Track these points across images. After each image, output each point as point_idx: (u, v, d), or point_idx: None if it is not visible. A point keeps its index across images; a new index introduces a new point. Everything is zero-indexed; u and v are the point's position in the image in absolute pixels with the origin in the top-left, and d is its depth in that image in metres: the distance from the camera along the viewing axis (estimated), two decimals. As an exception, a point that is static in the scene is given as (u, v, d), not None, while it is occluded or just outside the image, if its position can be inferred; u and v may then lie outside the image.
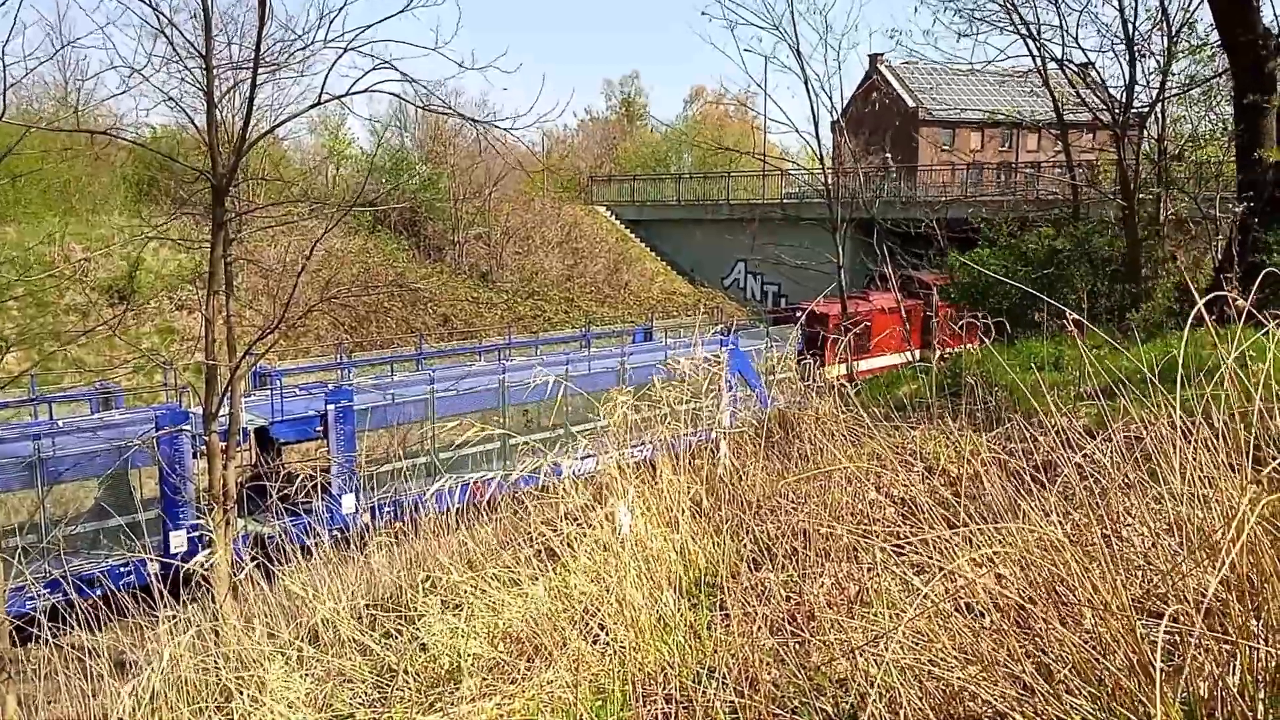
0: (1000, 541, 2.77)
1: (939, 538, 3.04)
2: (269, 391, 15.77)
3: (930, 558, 3.05)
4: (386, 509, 14.18)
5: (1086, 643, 2.22)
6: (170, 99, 8.98)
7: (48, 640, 5.69)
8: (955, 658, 2.27)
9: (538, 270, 35.23)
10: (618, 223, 39.89)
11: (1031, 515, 2.87)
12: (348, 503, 14.26)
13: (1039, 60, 16.36)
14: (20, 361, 18.69)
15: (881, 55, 45.39)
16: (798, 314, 23.95)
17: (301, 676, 4.31)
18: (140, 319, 24.73)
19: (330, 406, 15.24)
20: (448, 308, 31.26)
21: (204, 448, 13.82)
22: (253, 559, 6.19)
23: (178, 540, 13.66)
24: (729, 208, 38.05)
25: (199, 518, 13.64)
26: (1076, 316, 3.64)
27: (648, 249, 39.20)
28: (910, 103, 46.38)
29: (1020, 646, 2.26)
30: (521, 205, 37.07)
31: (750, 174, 40.49)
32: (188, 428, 13.74)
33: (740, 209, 37.31)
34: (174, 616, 5.38)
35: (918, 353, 24.52)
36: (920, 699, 2.17)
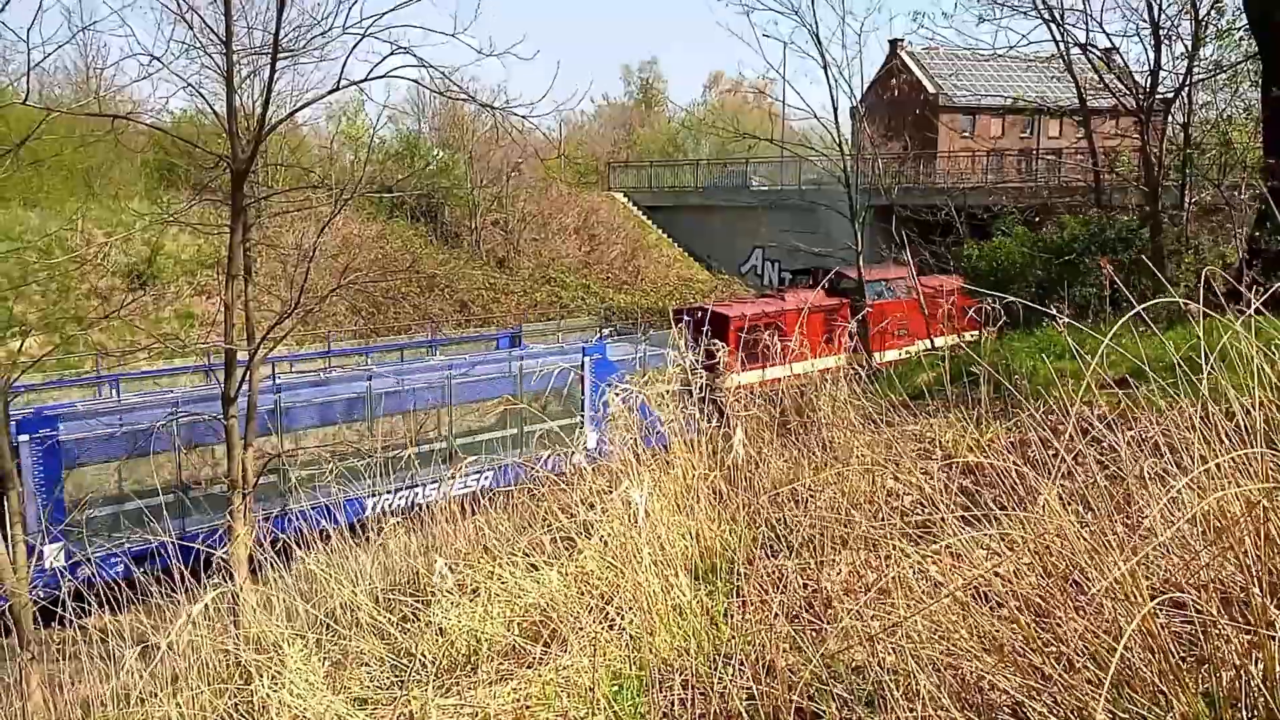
0: (1018, 531, 2.75)
1: (956, 527, 3.02)
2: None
3: (948, 547, 3.04)
4: (118, 563, 11.84)
5: (1105, 632, 2.21)
6: (189, 85, 9.00)
7: (71, 621, 5.76)
8: (972, 646, 2.26)
9: (555, 256, 35.24)
10: (635, 209, 39.81)
11: (1049, 504, 2.85)
12: (51, 552, 11.42)
13: (1062, 45, 16.18)
14: (42, 345, 18.88)
15: (902, 40, 45.02)
16: (685, 316, 21.50)
17: (320, 660, 4.34)
18: (160, 304, 24.93)
19: (23, 437, 12.02)
20: (465, 294, 31.33)
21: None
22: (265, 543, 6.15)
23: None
24: (747, 194, 37.91)
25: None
26: (1066, 319, 3.62)
27: (665, 235, 39.13)
28: (930, 89, 45.99)
29: (1038, 636, 2.25)
30: (539, 191, 37.07)
31: (769, 160, 40.31)
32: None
33: (758, 195, 37.16)
34: (194, 600, 5.43)
35: (840, 358, 22.89)
36: (938, 687, 2.17)
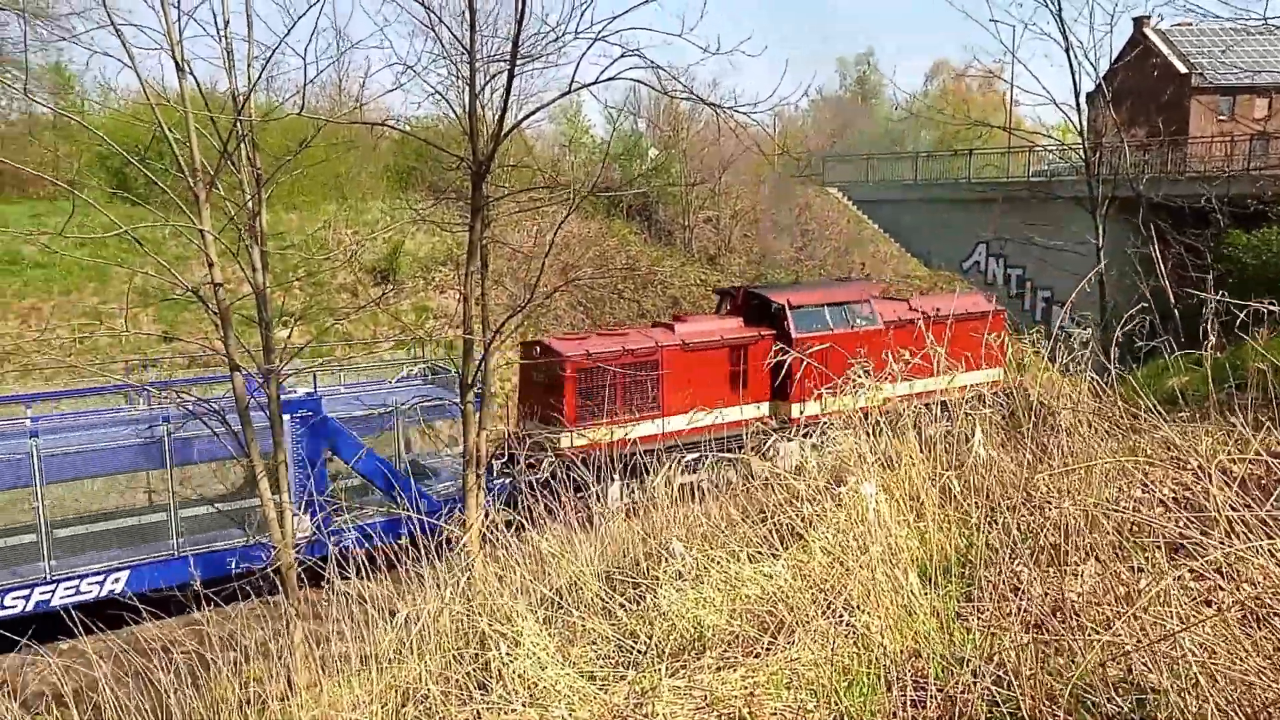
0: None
1: (1229, 539, 2.76)
2: None
3: (1216, 561, 2.78)
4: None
5: None
6: (436, 92, 9.68)
7: (327, 585, 6.36)
8: (1264, 665, 2.06)
9: (766, 252, 35.11)
10: (850, 204, 38.95)
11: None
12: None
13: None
14: (302, 334, 20.89)
15: (1147, 18, 41.42)
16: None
17: (550, 633, 4.56)
18: (399, 298, 26.97)
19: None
20: (677, 290, 31.82)
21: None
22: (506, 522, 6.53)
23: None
24: (970, 186, 36.18)
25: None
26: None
27: (881, 230, 38.03)
28: (1181, 68, 42.04)
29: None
30: (752, 187, 37.03)
31: (995, 150, 38.26)
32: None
33: (983, 187, 35.37)
34: (433, 570, 5.84)
35: (760, 407, 16.56)
36: (1229, 703, 1.99)
